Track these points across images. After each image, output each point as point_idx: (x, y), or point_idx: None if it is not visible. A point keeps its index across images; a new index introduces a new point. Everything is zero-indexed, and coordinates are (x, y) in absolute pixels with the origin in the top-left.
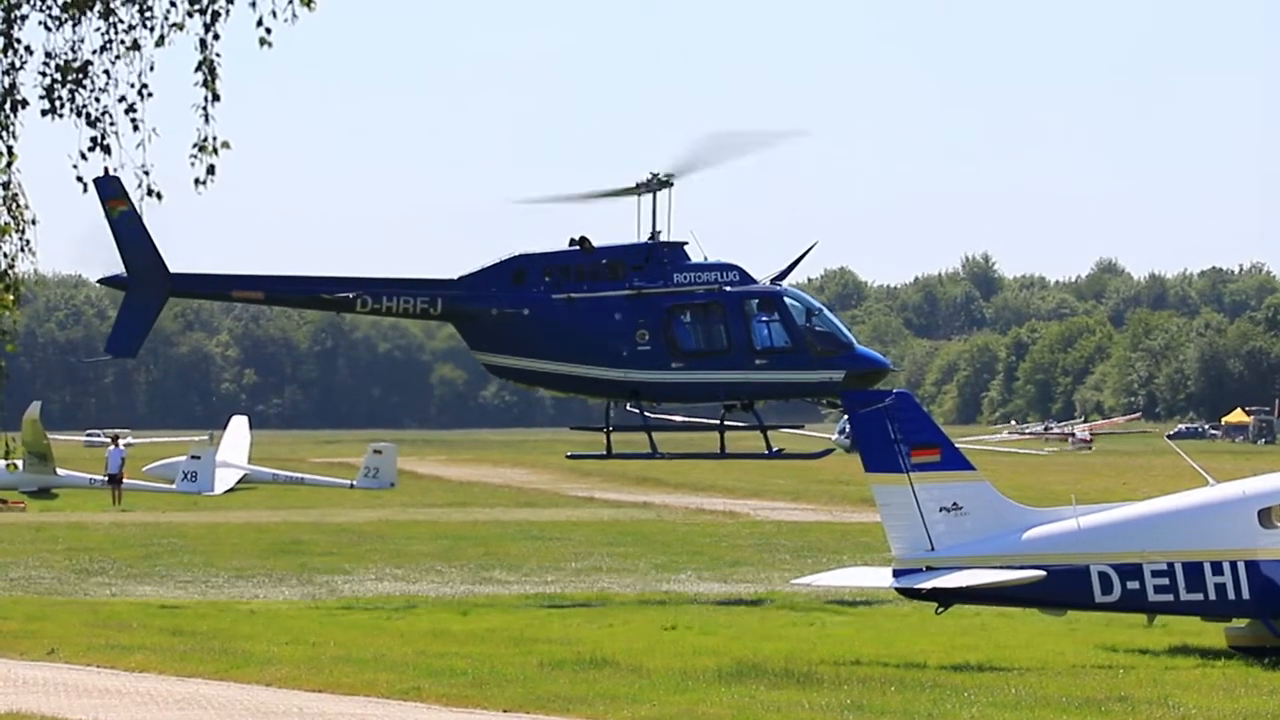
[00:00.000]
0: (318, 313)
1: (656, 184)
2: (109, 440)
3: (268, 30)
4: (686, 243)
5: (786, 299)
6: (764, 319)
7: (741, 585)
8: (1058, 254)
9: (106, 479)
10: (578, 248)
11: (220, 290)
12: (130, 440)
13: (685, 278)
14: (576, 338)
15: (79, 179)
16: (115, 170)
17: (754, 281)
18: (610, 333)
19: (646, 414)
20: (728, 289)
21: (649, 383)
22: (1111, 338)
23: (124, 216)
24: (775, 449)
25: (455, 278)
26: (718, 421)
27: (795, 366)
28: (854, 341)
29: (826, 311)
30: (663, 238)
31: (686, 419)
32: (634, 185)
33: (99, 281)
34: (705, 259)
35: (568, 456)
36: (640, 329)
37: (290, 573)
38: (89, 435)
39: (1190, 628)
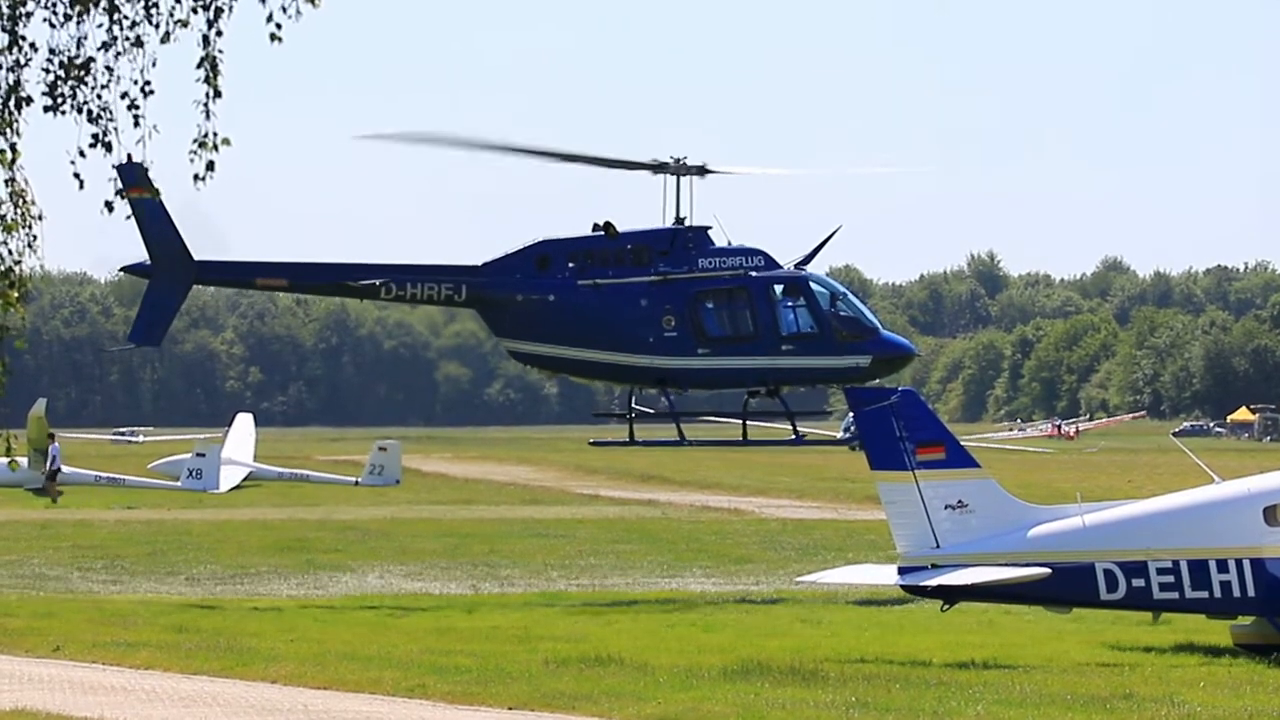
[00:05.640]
0: (323, 310)
1: (684, 169)
2: (131, 438)
3: (278, 26)
4: (710, 227)
5: (812, 284)
6: (790, 304)
7: (747, 583)
8: (1063, 252)
9: (46, 476)
10: (602, 233)
11: (244, 278)
12: (143, 438)
13: (710, 263)
14: (602, 324)
15: (76, 175)
16: (122, 162)
17: (779, 266)
18: (636, 319)
19: (665, 402)
20: (753, 274)
21: (676, 369)
22: (1117, 335)
23: (146, 204)
24: (800, 435)
25: (479, 264)
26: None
27: (822, 352)
28: (879, 326)
29: (851, 296)
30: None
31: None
32: (655, 163)
33: (122, 270)
34: (730, 243)
35: (590, 444)
36: (666, 315)
37: (295, 570)
38: (116, 434)
39: (1196, 626)
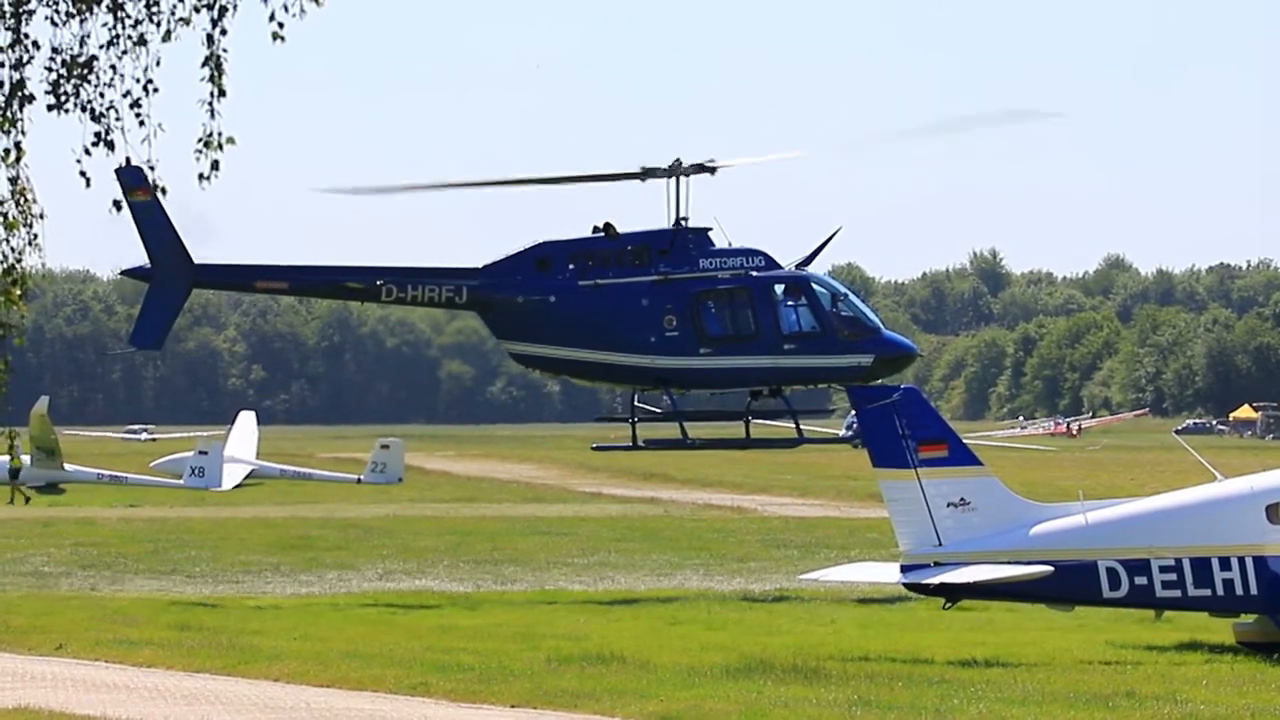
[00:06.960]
0: (325, 309)
1: (694, 169)
2: (140, 435)
3: (280, 25)
4: (710, 228)
5: (813, 284)
6: (791, 304)
7: (749, 581)
8: (1065, 250)
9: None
10: (602, 234)
11: (244, 281)
12: (147, 436)
13: (711, 263)
14: (603, 325)
15: (83, 174)
16: (122, 165)
17: (779, 267)
18: (637, 319)
19: (668, 404)
20: (754, 274)
21: (677, 369)
22: (1119, 333)
23: (146, 207)
24: (804, 434)
25: (480, 266)
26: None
27: (823, 351)
28: (881, 326)
29: (852, 296)
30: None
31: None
32: (664, 168)
33: (122, 273)
34: (730, 244)
35: (593, 448)
36: (668, 315)
37: (298, 568)
38: (127, 432)
39: (1198, 623)
